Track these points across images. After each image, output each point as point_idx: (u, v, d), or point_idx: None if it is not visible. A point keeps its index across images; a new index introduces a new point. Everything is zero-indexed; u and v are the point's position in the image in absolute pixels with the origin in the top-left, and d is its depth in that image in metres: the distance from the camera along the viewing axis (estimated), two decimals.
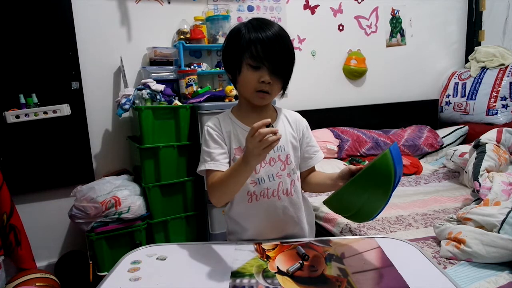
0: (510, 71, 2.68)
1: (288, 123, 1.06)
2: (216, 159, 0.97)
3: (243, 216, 1.04)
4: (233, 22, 2.45)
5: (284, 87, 1.00)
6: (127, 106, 1.95)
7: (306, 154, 1.08)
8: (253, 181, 1.00)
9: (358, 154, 2.63)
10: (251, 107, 1.02)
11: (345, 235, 1.64)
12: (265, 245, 0.96)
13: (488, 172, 1.85)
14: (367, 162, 2.56)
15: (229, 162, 1.00)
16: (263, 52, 0.91)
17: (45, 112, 1.99)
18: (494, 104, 2.70)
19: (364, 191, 0.77)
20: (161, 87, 2.00)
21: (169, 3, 2.32)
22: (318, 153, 1.10)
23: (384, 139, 2.68)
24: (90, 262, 1.92)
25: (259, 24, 0.93)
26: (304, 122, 1.10)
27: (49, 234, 2.19)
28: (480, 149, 2.02)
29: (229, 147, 1.00)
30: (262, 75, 0.92)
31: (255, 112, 1.02)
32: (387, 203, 0.78)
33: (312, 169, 1.11)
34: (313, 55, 2.77)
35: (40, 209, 2.15)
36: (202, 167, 0.99)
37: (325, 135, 2.60)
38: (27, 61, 1.99)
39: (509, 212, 1.30)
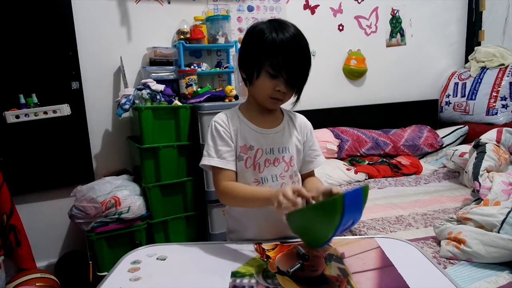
0: (510, 71, 2.68)
1: (294, 126, 1.07)
2: (223, 156, 0.98)
3: (244, 214, 1.05)
4: (233, 22, 2.45)
5: (298, 94, 0.99)
6: (127, 106, 1.95)
7: (308, 158, 1.09)
8: (256, 180, 1.00)
9: (358, 154, 2.63)
10: (260, 108, 1.02)
11: (345, 235, 1.63)
12: (265, 245, 0.96)
13: (488, 172, 1.85)
14: (366, 162, 2.57)
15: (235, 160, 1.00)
16: (283, 62, 0.90)
17: (45, 112, 1.99)
18: (494, 104, 2.70)
19: (309, 222, 0.79)
20: (161, 87, 2.00)
21: (169, 3, 2.32)
22: (319, 158, 1.10)
23: (384, 139, 2.68)
24: (90, 262, 1.92)
25: (282, 30, 0.91)
26: (309, 125, 1.11)
27: (49, 234, 2.19)
28: (480, 149, 2.02)
29: (235, 144, 1.00)
30: (278, 84, 0.93)
31: (263, 113, 1.03)
32: (330, 240, 0.81)
33: (311, 173, 1.11)
34: (313, 55, 2.77)
35: (40, 209, 2.15)
36: (206, 161, 0.98)
37: (325, 135, 2.60)
38: (27, 61, 1.99)
39: (509, 212, 1.31)
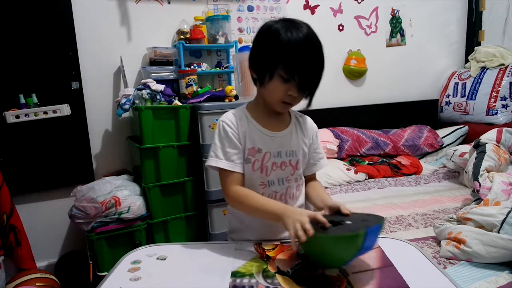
0: (510, 71, 2.68)
1: (301, 129, 1.06)
2: (231, 159, 0.96)
3: (248, 215, 1.04)
4: (233, 22, 2.45)
5: (310, 98, 0.98)
6: (127, 106, 1.95)
7: (312, 160, 1.08)
8: (263, 183, 1.00)
9: (358, 154, 2.63)
10: (268, 110, 1.00)
11: None
12: (265, 245, 0.96)
13: (488, 172, 1.85)
14: (366, 162, 2.57)
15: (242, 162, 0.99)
16: (297, 66, 0.89)
17: (45, 112, 1.99)
18: (494, 104, 2.70)
19: (325, 249, 0.80)
20: (161, 87, 2.00)
21: (169, 3, 2.32)
22: (322, 160, 1.10)
23: (384, 139, 2.68)
24: (90, 262, 1.92)
25: (297, 33, 0.89)
26: (315, 128, 1.10)
27: (49, 234, 2.19)
28: (480, 149, 2.02)
29: (243, 146, 0.98)
30: (290, 89, 0.91)
31: (272, 115, 1.01)
32: (344, 265, 0.83)
33: (313, 176, 1.11)
34: None
35: (40, 209, 2.15)
36: (213, 163, 0.97)
37: (325, 135, 2.60)
38: (27, 61, 1.99)
39: (509, 212, 1.31)
